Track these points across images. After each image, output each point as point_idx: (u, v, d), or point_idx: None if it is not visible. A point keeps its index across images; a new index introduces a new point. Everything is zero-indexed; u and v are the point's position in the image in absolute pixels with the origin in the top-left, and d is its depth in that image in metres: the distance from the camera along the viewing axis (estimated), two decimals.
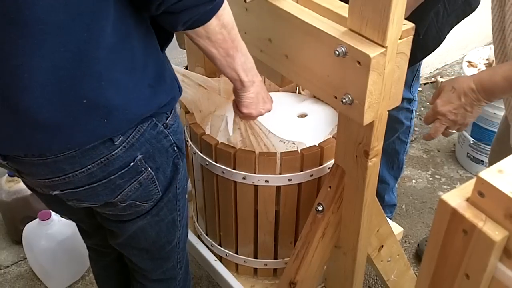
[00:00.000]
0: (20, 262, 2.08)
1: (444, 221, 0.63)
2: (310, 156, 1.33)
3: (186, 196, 1.26)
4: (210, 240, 1.62)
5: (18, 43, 0.84)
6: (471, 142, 2.35)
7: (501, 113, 2.17)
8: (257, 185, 1.37)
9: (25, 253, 1.99)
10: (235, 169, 1.35)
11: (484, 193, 0.60)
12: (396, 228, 1.69)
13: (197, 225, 1.68)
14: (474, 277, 0.63)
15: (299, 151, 1.33)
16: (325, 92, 1.12)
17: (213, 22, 0.97)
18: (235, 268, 1.61)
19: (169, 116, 1.07)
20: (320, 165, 1.36)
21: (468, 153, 2.42)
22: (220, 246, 1.59)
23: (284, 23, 1.15)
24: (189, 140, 1.46)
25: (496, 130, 2.23)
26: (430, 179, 2.45)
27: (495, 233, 0.58)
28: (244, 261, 1.56)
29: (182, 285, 1.44)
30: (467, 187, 0.63)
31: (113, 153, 1.00)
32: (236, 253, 1.56)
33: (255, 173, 1.34)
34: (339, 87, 1.07)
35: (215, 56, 1.05)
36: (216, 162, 1.37)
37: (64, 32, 0.85)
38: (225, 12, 0.99)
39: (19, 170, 1.05)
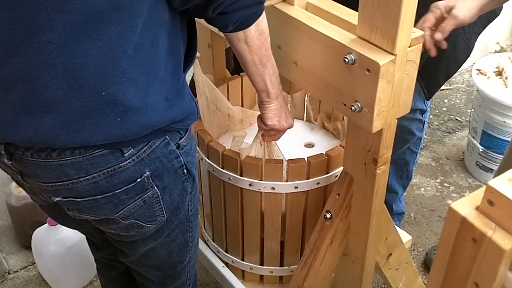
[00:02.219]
0: (29, 267, 2.08)
1: (454, 229, 0.63)
2: (317, 164, 1.33)
3: (198, 216, 1.26)
4: (217, 246, 1.62)
5: (54, 19, 0.83)
6: (481, 150, 2.34)
7: (511, 122, 2.16)
8: (264, 192, 1.36)
9: (34, 258, 2.00)
10: (241, 176, 1.35)
11: (494, 202, 0.60)
12: (405, 236, 1.68)
13: (204, 231, 1.69)
14: (484, 286, 0.62)
15: (305, 159, 1.33)
16: (334, 99, 1.12)
17: (253, 28, 1.04)
18: (241, 275, 1.61)
19: (182, 137, 1.07)
20: (327, 173, 1.36)
21: (477, 161, 2.41)
22: (227, 252, 1.59)
23: (293, 30, 1.15)
24: (197, 146, 1.47)
25: (506, 138, 2.22)
26: (439, 187, 2.44)
27: (505, 241, 0.58)
28: (250, 268, 1.56)
29: None
30: (477, 196, 0.63)
31: (121, 164, 0.98)
32: (242, 259, 1.56)
33: (261, 180, 1.34)
34: (348, 94, 1.07)
35: (249, 62, 1.10)
36: (223, 169, 1.37)
37: (101, 21, 0.85)
38: (264, 20, 1.06)
39: (22, 172, 1.02)
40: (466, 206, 0.63)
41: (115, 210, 1.04)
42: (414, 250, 2.13)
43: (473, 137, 2.39)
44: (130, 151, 0.98)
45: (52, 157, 0.95)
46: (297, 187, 1.35)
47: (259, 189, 1.36)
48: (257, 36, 1.05)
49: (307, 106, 1.73)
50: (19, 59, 0.87)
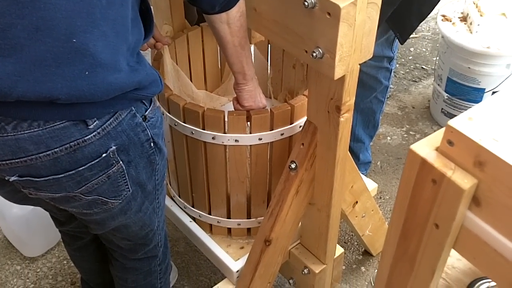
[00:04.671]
0: None
1: (414, 171, 0.62)
2: (280, 115, 1.30)
3: (164, 182, 1.23)
4: (183, 202, 1.60)
5: None
6: (446, 97, 2.36)
7: (476, 68, 2.17)
8: (227, 145, 1.34)
9: None
10: (204, 130, 1.32)
11: (454, 142, 0.58)
12: (371, 184, 1.70)
13: (170, 187, 1.66)
14: (443, 227, 0.62)
15: (269, 110, 1.30)
16: (295, 46, 1.09)
17: (235, 9, 1.09)
18: (209, 229, 1.61)
19: (148, 108, 1.03)
20: (291, 124, 1.34)
21: (442, 109, 2.43)
22: (193, 207, 1.58)
23: None
24: (157, 101, 1.42)
25: (470, 84, 2.24)
26: (405, 135, 2.46)
27: (464, 181, 0.57)
28: (218, 222, 1.55)
29: (162, 259, 1.43)
30: (437, 137, 0.62)
31: (85, 138, 0.92)
32: (209, 214, 1.55)
33: (224, 133, 1.31)
34: (309, 40, 1.04)
35: (229, 44, 1.14)
36: (184, 123, 1.34)
37: None
38: (243, 2, 1.11)
39: None
40: (425, 147, 0.61)
41: (77, 187, 0.99)
42: (380, 198, 2.16)
43: (438, 85, 2.40)
44: (95, 122, 0.92)
45: (7, 131, 0.88)
46: (261, 139, 1.33)
47: (223, 142, 1.33)
48: (238, 17, 1.10)
49: (269, 84, 1.70)
50: None
